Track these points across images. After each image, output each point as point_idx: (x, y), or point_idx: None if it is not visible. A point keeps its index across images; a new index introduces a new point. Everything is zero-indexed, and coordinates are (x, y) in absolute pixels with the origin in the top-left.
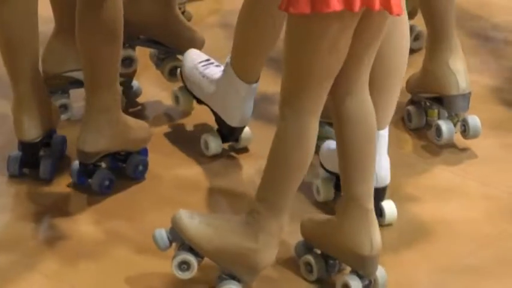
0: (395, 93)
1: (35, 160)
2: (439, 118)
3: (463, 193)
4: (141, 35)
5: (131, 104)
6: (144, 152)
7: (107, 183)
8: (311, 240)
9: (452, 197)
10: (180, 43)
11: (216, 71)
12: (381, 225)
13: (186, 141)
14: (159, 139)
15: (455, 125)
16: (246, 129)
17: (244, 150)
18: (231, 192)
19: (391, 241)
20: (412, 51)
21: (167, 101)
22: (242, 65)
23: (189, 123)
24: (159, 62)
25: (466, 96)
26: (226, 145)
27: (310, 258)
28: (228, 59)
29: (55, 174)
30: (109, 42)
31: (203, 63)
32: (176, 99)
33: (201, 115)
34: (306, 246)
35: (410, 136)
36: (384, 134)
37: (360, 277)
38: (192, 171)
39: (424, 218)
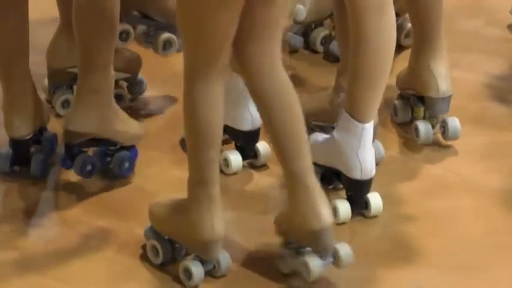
0: (380, 89)
1: (25, 157)
2: (424, 117)
3: (451, 190)
4: (135, 10)
5: (135, 99)
6: (133, 151)
7: (89, 167)
8: (164, 226)
9: (440, 194)
10: (174, 18)
11: None
12: (366, 217)
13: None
14: (158, 136)
15: (433, 126)
16: (264, 145)
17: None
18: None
19: (376, 237)
20: (403, 48)
21: (167, 97)
22: None
23: None
24: (149, 39)
25: (446, 100)
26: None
27: None
28: None
29: (46, 172)
30: (105, 26)
31: None
32: None
33: None
34: None
35: (398, 132)
36: (368, 128)
37: (318, 252)
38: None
39: (411, 214)
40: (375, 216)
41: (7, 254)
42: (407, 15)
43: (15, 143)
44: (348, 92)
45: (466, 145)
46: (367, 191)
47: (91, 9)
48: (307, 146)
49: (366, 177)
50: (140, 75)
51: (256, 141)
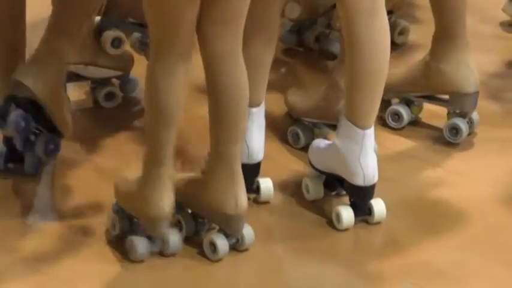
0: (378, 93)
1: (19, 155)
2: (451, 115)
3: (451, 189)
4: (131, 18)
5: (127, 97)
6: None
7: (51, 146)
8: (181, 199)
9: (440, 194)
10: None
11: None
12: (370, 223)
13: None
14: None
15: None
16: (268, 182)
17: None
18: None
19: (380, 243)
20: (397, 45)
21: None
22: None
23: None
24: (143, 47)
25: (477, 94)
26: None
27: (180, 217)
28: None
29: (40, 169)
30: None
31: None
32: None
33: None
34: (177, 205)
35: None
36: (369, 133)
37: (227, 236)
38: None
39: (415, 220)
40: (378, 223)
41: (2, 252)
42: (400, 13)
43: (8, 140)
44: (347, 98)
45: (462, 143)
46: (370, 197)
47: None
48: (244, 132)
49: (368, 183)
50: (132, 74)
51: (255, 175)
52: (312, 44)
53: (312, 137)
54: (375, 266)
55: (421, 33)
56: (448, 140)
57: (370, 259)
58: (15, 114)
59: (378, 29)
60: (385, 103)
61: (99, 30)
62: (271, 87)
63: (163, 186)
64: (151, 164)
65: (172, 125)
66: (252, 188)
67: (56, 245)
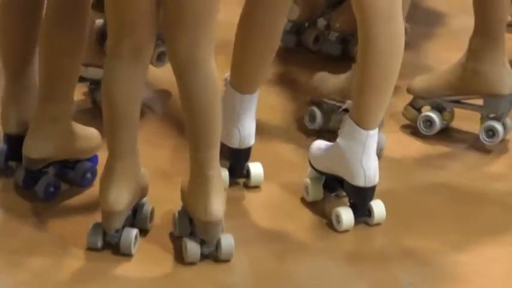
0: (388, 97)
1: (20, 153)
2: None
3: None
4: None
5: None
6: (94, 159)
7: (51, 189)
8: (182, 200)
9: (442, 197)
10: None
11: None
12: (370, 224)
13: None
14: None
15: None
16: (258, 166)
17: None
18: None
19: (379, 245)
20: None
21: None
22: (237, 77)
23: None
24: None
25: None
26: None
27: (176, 216)
28: (226, 75)
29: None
30: (71, 58)
31: None
32: None
33: None
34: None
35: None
36: (373, 135)
37: (203, 242)
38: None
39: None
40: (378, 224)
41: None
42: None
43: (10, 139)
44: (354, 99)
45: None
46: (371, 199)
47: (57, 43)
48: (219, 139)
49: (369, 184)
50: None
51: (244, 159)
52: (311, 45)
53: (329, 120)
54: (374, 268)
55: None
56: (484, 142)
57: (369, 260)
58: (44, 183)
59: (394, 34)
60: (416, 111)
61: (101, 33)
62: (269, 88)
63: (118, 181)
64: (110, 156)
65: (126, 122)
66: (242, 173)
67: (50, 245)
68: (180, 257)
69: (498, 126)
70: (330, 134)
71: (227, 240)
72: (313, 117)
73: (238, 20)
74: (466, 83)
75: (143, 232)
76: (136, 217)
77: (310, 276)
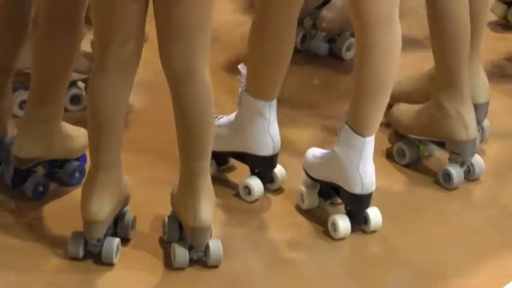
0: (384, 103)
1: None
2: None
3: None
4: None
5: None
6: (82, 158)
7: (40, 189)
8: (172, 206)
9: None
10: None
11: (228, 117)
12: (366, 232)
13: None
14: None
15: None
16: (280, 168)
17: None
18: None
19: (375, 252)
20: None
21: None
22: (259, 84)
23: None
24: None
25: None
26: None
27: (166, 221)
28: (240, 90)
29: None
30: (65, 62)
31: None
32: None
33: None
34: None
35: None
36: (370, 141)
37: (191, 247)
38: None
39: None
40: (374, 231)
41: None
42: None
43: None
44: (351, 105)
45: None
46: (367, 206)
47: (49, 47)
48: (211, 150)
49: (366, 191)
50: None
51: (275, 165)
52: (298, 45)
53: (418, 153)
54: (371, 275)
55: None
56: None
57: (366, 268)
58: (32, 182)
59: (392, 40)
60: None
61: None
62: None
63: (100, 191)
64: (92, 166)
65: (111, 133)
66: (271, 179)
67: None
68: (167, 263)
69: (454, 171)
70: None
71: (215, 246)
72: (402, 152)
73: (251, 29)
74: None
75: (127, 239)
76: (118, 226)
77: (307, 284)
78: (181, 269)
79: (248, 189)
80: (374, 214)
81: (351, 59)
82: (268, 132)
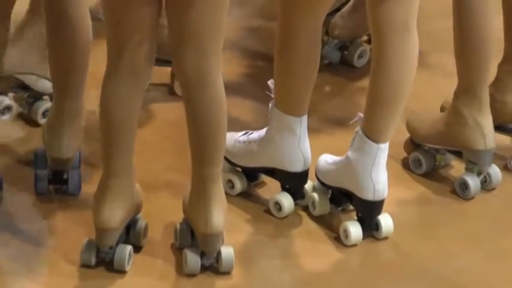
0: (400, 110)
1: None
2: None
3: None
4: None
5: None
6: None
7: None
8: (184, 213)
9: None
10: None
11: (259, 132)
12: (377, 238)
13: None
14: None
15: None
16: (310, 184)
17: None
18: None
19: (387, 259)
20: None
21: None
22: (288, 99)
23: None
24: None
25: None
26: None
27: (178, 228)
28: (270, 106)
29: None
30: (78, 60)
31: (243, 134)
32: (231, 185)
33: None
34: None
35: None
36: (384, 148)
37: (202, 254)
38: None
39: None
40: (385, 238)
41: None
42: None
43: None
44: (366, 111)
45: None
46: (379, 212)
47: (63, 45)
48: (222, 156)
49: (378, 198)
50: None
51: (305, 181)
52: (355, 61)
53: (434, 163)
54: (383, 283)
55: None
56: None
57: (379, 275)
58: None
59: (409, 46)
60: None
61: None
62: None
63: (112, 198)
64: (104, 174)
65: (123, 140)
66: (302, 195)
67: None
68: (179, 269)
69: (471, 181)
70: None
71: (227, 253)
72: (418, 162)
73: (276, 43)
74: (497, 113)
75: (139, 247)
76: (130, 233)
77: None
78: (193, 275)
79: (279, 205)
80: (386, 221)
81: (362, 67)
82: (299, 148)
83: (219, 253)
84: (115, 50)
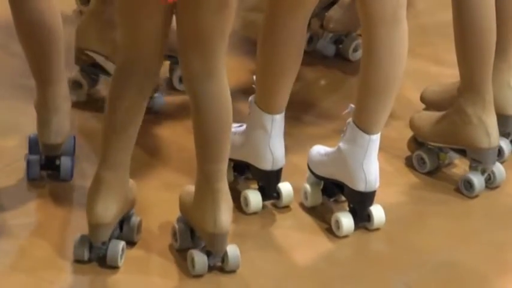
0: (391, 102)
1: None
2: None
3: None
4: None
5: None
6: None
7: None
8: (182, 211)
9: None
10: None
11: (244, 126)
12: (369, 229)
13: None
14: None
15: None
16: (288, 186)
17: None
18: None
19: (378, 250)
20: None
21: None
22: (265, 95)
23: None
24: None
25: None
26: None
27: (176, 228)
28: (250, 99)
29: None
30: (48, 42)
31: (237, 126)
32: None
33: None
34: (180, 217)
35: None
36: (375, 139)
37: (209, 253)
38: None
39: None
40: (377, 229)
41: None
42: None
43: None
44: (357, 102)
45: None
46: (370, 203)
47: (32, 28)
48: (228, 152)
49: (370, 189)
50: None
51: (276, 181)
52: (305, 46)
53: (438, 161)
54: (375, 273)
55: None
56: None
57: (370, 266)
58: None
59: (398, 37)
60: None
61: (107, 21)
62: None
63: (105, 193)
64: (100, 167)
65: (125, 135)
66: (273, 194)
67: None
68: (172, 265)
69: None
70: None
71: (233, 252)
72: (422, 160)
73: (258, 41)
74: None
75: (132, 242)
76: (124, 229)
77: (311, 283)
78: (195, 274)
79: (246, 201)
80: (377, 212)
81: (357, 60)
82: (268, 146)
83: (225, 252)
84: (127, 49)
